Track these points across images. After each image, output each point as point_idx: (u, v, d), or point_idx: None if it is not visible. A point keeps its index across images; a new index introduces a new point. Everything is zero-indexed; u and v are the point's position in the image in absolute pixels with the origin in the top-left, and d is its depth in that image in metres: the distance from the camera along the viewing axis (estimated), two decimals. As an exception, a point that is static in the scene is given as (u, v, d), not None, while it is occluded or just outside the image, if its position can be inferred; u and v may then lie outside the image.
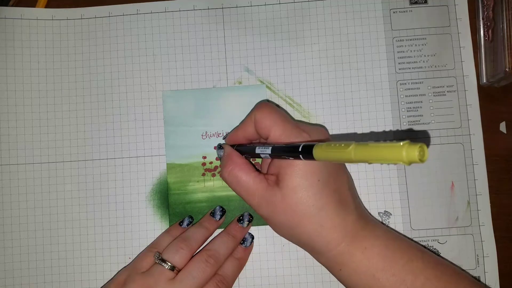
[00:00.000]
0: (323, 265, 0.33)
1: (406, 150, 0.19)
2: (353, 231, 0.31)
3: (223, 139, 0.39)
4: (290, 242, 0.37)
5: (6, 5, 0.40)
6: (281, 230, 0.32)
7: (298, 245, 0.33)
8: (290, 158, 0.29)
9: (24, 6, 0.40)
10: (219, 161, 0.38)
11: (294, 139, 0.30)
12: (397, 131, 0.38)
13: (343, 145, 0.22)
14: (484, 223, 0.37)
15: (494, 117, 0.39)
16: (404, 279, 0.30)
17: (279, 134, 0.31)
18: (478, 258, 0.37)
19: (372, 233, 0.31)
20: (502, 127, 0.39)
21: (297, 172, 0.30)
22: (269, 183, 0.31)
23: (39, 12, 0.40)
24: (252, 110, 0.33)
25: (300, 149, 0.27)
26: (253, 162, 0.38)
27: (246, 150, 0.34)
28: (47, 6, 0.41)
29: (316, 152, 0.25)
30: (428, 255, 0.32)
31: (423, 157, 0.19)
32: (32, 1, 0.41)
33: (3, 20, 0.40)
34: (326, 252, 0.31)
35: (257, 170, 0.33)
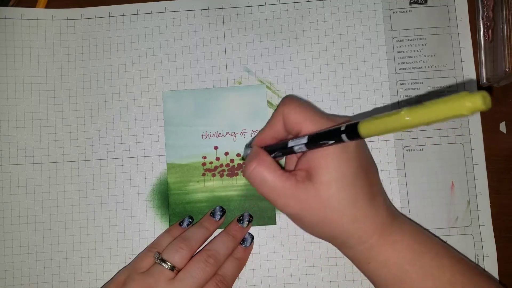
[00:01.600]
0: (350, 259, 0.32)
1: (470, 100, 0.18)
2: (383, 224, 0.30)
3: (246, 146, 0.38)
4: (290, 242, 0.38)
5: (6, 5, 0.40)
6: (311, 227, 0.31)
7: (327, 240, 0.33)
8: (330, 142, 0.27)
9: (24, 6, 0.40)
10: (218, 161, 0.39)
11: None
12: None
13: (392, 113, 0.21)
14: (484, 223, 0.37)
15: (494, 117, 0.39)
16: (431, 272, 0.30)
17: (311, 128, 0.30)
18: (478, 258, 0.37)
19: (400, 226, 0.31)
20: (502, 127, 0.39)
21: (331, 164, 0.28)
22: (298, 179, 0.29)
23: (39, 12, 0.40)
24: (278, 106, 0.32)
25: (343, 129, 0.25)
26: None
27: (276, 147, 0.32)
28: (47, 6, 0.41)
29: (362, 127, 0.23)
30: (452, 251, 0.32)
31: (487, 103, 0.19)
32: (32, 1, 0.41)
33: (3, 20, 0.40)
34: (358, 245, 0.30)
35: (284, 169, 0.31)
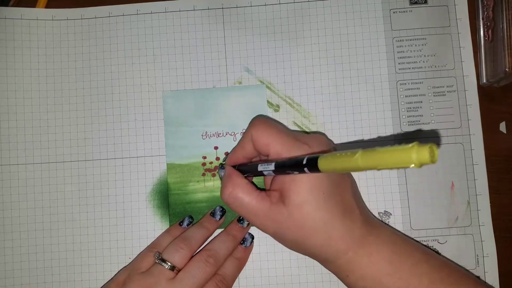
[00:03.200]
0: (331, 272, 0.33)
1: (416, 152, 0.18)
2: (359, 238, 0.30)
3: (222, 161, 0.38)
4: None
5: (6, 5, 0.40)
6: (289, 244, 0.32)
7: (307, 255, 0.33)
8: (295, 172, 0.28)
9: (24, 6, 0.40)
10: (219, 161, 0.39)
11: (295, 153, 0.30)
12: (404, 132, 0.38)
13: (349, 153, 0.22)
14: (484, 223, 0.37)
15: (494, 117, 0.39)
16: (409, 282, 0.30)
17: (279, 149, 0.31)
18: (478, 258, 0.37)
19: (378, 237, 0.31)
20: (502, 127, 0.39)
21: (302, 187, 0.29)
22: (273, 201, 0.30)
23: (39, 12, 0.40)
24: (247, 128, 0.33)
25: (304, 162, 0.26)
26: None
27: (248, 169, 0.33)
28: (47, 6, 0.41)
29: (321, 163, 0.24)
30: (434, 258, 0.32)
31: (433, 158, 0.18)
32: (32, 1, 0.41)
33: (3, 20, 0.40)
34: (334, 261, 0.31)
35: (259, 189, 0.32)
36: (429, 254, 0.32)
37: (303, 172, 0.26)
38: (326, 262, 0.32)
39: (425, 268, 0.31)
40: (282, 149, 0.30)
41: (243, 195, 0.31)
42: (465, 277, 0.32)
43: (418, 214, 0.37)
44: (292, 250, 0.33)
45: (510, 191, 0.38)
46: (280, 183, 0.31)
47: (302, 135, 0.32)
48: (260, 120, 0.33)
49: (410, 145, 0.19)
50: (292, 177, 0.30)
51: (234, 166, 0.34)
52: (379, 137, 0.38)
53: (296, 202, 0.29)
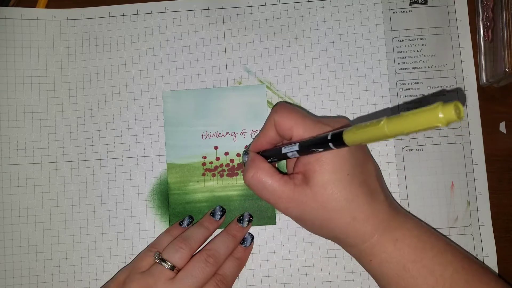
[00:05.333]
0: (353, 256, 0.33)
1: (442, 111, 0.18)
2: (384, 221, 0.30)
3: (245, 148, 0.38)
4: (290, 242, 0.38)
5: (7, 5, 0.40)
6: (313, 227, 0.32)
7: (330, 239, 0.33)
8: (320, 150, 0.28)
9: (24, 6, 0.40)
10: (219, 161, 0.39)
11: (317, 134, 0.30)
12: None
13: (374, 122, 0.21)
14: (484, 223, 0.37)
15: (494, 117, 0.39)
16: (433, 270, 0.30)
17: (302, 132, 0.31)
18: (477, 258, 0.37)
19: (402, 224, 0.31)
20: (502, 127, 0.39)
21: (326, 167, 0.29)
22: (296, 183, 0.30)
23: (39, 12, 0.40)
24: (270, 114, 0.33)
25: (329, 137, 0.26)
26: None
27: (271, 153, 0.33)
28: (47, 6, 0.41)
29: (346, 136, 0.24)
30: (456, 248, 0.32)
31: (460, 114, 0.18)
32: (32, 1, 0.41)
33: (3, 20, 0.40)
34: (359, 244, 0.31)
35: (282, 173, 0.32)
36: (451, 244, 0.32)
37: (329, 148, 0.26)
38: (349, 245, 0.32)
39: (449, 257, 0.31)
40: (305, 132, 0.30)
41: (266, 177, 0.31)
42: (485, 269, 0.32)
43: (418, 214, 0.37)
44: (315, 233, 0.33)
45: (510, 191, 0.38)
46: (303, 165, 0.31)
47: (324, 118, 0.32)
48: (281, 105, 0.33)
49: (435, 104, 0.19)
50: (316, 157, 0.29)
51: (257, 153, 0.34)
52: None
53: (320, 183, 0.29)
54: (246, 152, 0.35)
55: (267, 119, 0.34)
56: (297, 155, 0.30)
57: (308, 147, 0.29)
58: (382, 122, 0.21)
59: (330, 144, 0.26)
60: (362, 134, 0.23)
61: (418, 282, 0.30)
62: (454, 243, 0.35)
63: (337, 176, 0.29)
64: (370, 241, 0.30)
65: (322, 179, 0.29)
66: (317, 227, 0.32)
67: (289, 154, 0.30)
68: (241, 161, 0.38)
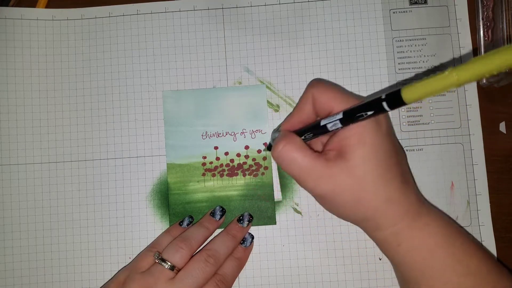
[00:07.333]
0: (379, 241, 0.31)
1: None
2: (415, 206, 0.30)
3: (273, 131, 0.38)
4: (290, 242, 0.38)
5: (7, 5, 0.40)
6: (342, 207, 0.30)
7: (356, 223, 0.32)
8: (370, 113, 0.26)
9: (25, 6, 0.40)
10: (219, 161, 0.39)
11: None
12: (403, 131, 0.38)
13: (438, 74, 0.21)
14: (484, 223, 0.37)
15: (493, 117, 0.39)
16: (460, 258, 0.30)
17: (343, 106, 0.29)
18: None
19: (430, 211, 0.31)
20: (502, 127, 0.39)
21: (367, 140, 0.28)
22: (329, 158, 0.29)
23: (39, 12, 0.40)
24: (306, 90, 0.32)
25: (383, 97, 0.24)
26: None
27: (307, 129, 0.31)
28: (47, 6, 0.41)
29: (405, 93, 0.23)
30: (476, 240, 0.33)
31: None
32: (32, 1, 0.41)
33: (3, 20, 0.40)
34: (390, 227, 0.30)
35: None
36: (472, 236, 0.33)
37: (382, 111, 0.25)
38: (376, 229, 0.30)
39: (473, 247, 0.31)
40: (346, 106, 0.29)
41: (296, 151, 0.29)
42: (500, 264, 0.33)
43: (418, 214, 0.37)
44: (341, 215, 0.31)
45: (510, 191, 0.38)
46: (338, 141, 0.29)
47: (362, 96, 0.31)
48: (318, 80, 0.32)
49: (504, 47, 0.19)
50: (356, 131, 0.28)
51: None
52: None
53: (359, 156, 0.28)
54: (276, 131, 0.33)
55: (302, 95, 0.32)
56: (339, 125, 0.28)
57: (356, 111, 0.27)
58: (446, 72, 0.21)
59: (384, 104, 0.24)
60: (426, 87, 0.22)
61: (446, 269, 0.29)
62: (474, 237, 0.36)
63: (377, 151, 0.28)
64: (400, 224, 0.29)
65: (362, 153, 0.28)
66: (347, 206, 0.30)
67: (329, 126, 0.28)
68: (269, 141, 0.37)
